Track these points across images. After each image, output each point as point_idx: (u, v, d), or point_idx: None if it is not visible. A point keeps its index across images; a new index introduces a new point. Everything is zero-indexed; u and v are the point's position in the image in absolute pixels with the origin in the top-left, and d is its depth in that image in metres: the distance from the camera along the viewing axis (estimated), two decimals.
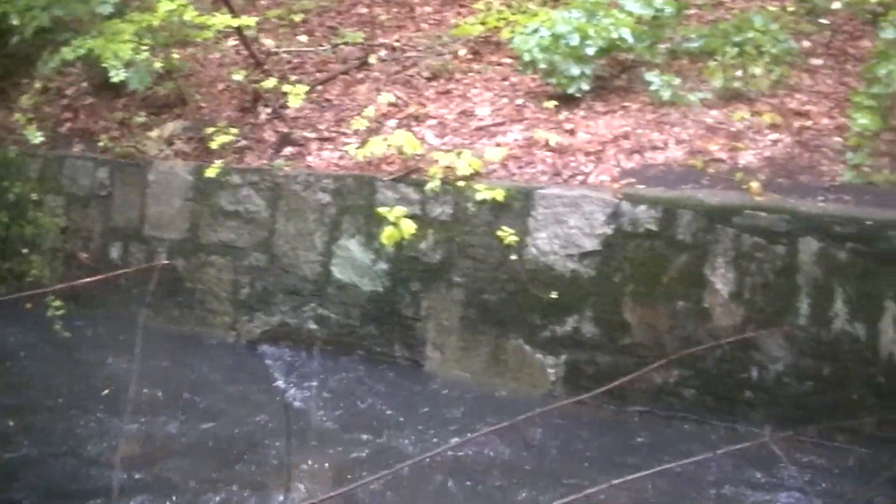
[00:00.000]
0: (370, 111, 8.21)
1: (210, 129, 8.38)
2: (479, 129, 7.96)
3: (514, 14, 9.28)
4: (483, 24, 9.33)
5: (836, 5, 7.24)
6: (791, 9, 8.56)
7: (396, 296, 7.64)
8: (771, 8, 8.73)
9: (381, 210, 7.37)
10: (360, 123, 8.11)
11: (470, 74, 8.81)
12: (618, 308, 6.96)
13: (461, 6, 10.07)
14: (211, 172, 8.14)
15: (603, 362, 7.00)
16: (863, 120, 6.17)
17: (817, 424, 6.40)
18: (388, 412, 7.12)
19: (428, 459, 6.23)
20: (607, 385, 5.76)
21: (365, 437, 6.83)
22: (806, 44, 8.39)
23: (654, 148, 7.34)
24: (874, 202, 6.55)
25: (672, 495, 6.02)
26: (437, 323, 7.53)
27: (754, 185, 6.75)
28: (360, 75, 9.13)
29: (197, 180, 8.31)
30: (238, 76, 8.89)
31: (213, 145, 8.25)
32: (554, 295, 7.09)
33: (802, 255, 6.51)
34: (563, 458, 6.52)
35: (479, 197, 7.24)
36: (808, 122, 7.35)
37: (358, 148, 7.83)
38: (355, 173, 7.81)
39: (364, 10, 10.19)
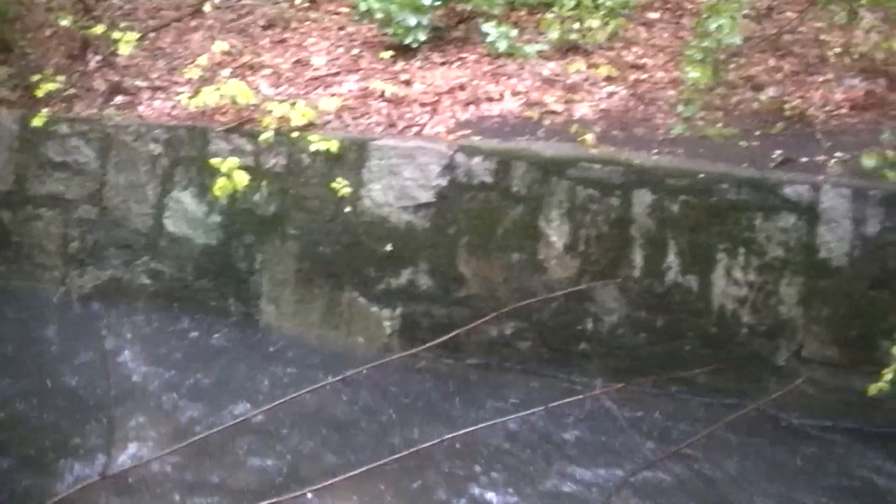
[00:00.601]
0: (203, 60, 7.99)
1: (36, 77, 8.06)
2: (315, 79, 7.83)
3: None
4: None
5: None
6: None
7: (231, 249, 7.48)
8: None
9: (214, 161, 7.19)
10: (193, 73, 7.88)
11: (306, 23, 8.66)
12: (453, 260, 6.92)
13: None
14: (37, 122, 7.81)
15: (439, 315, 6.96)
16: (693, 73, 6.23)
17: (651, 375, 6.46)
18: (220, 367, 6.98)
19: (260, 416, 6.13)
20: (442, 337, 5.73)
21: (196, 393, 6.68)
22: None
23: (491, 99, 7.31)
24: (707, 155, 6.62)
25: (502, 449, 6.02)
26: (272, 276, 7.40)
27: (589, 137, 6.76)
28: (193, 23, 8.90)
29: (23, 130, 7.97)
30: (65, 21, 8.56)
31: (40, 93, 7.90)
32: (389, 247, 7.01)
33: (636, 207, 6.55)
34: (397, 412, 6.47)
35: (313, 148, 7.10)
36: (644, 76, 7.41)
37: (191, 98, 7.61)
38: (188, 124, 7.59)
39: None
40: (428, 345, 6.38)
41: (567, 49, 7.69)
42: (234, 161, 7.17)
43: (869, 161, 6.34)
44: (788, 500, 5.75)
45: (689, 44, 6.46)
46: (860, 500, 5.76)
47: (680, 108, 6.48)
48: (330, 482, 5.52)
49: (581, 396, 4.96)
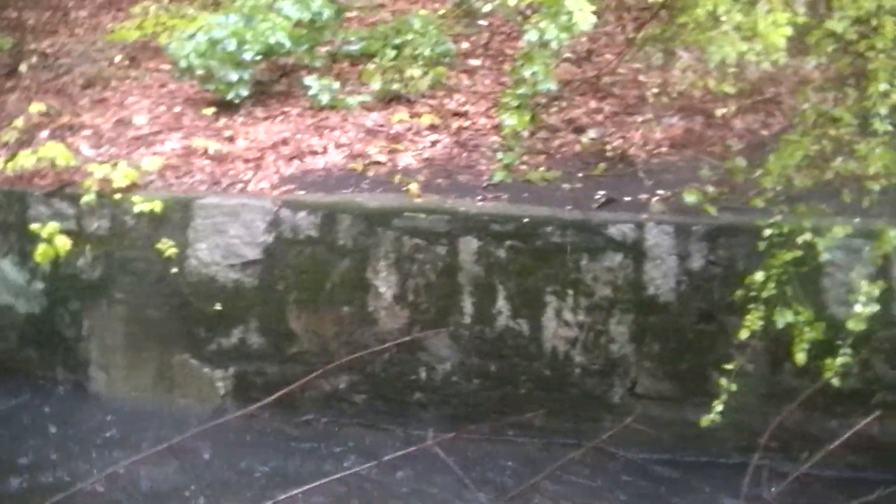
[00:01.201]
0: (20, 122, 7.80)
1: None
2: (137, 138, 7.69)
3: (172, 19, 8.99)
4: (140, 29, 9.00)
5: (487, 8, 7.34)
6: (445, 11, 8.65)
7: (56, 316, 7.29)
8: (428, 11, 8.78)
9: (34, 227, 7.03)
10: (9, 135, 7.70)
11: (127, 81, 8.52)
12: (283, 317, 6.85)
13: (118, 10, 9.72)
14: None
15: (272, 373, 6.88)
16: (510, 121, 6.28)
17: (486, 422, 6.46)
18: (46, 437, 6.80)
19: (88, 486, 5.95)
20: (271, 396, 5.65)
21: (19, 464, 6.51)
22: (465, 45, 8.50)
23: (314, 153, 7.27)
24: (531, 199, 6.67)
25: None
26: (101, 342, 7.23)
27: (413, 186, 6.76)
28: (9, 84, 8.68)
29: None
30: None
31: None
32: (218, 307, 6.91)
33: (463, 254, 6.56)
34: (230, 474, 6.37)
35: (136, 209, 6.97)
36: (467, 123, 7.45)
37: (7, 161, 7.42)
38: (5, 188, 7.39)
39: (13, 15, 9.68)
40: (258, 405, 6.27)
41: (390, 99, 7.69)
42: (54, 226, 7.02)
43: (690, 197, 6.46)
44: None
45: (505, 91, 6.51)
46: None
47: (500, 154, 6.53)
48: None
49: (413, 448, 4.91)
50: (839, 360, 5.71)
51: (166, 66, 8.54)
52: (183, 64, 7.77)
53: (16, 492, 6.27)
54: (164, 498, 6.17)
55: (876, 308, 5.66)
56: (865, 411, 6.05)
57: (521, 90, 6.22)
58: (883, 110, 5.65)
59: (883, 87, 5.63)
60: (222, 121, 7.71)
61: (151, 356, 7.13)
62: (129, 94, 8.33)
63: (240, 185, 7.11)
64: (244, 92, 7.76)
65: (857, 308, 5.66)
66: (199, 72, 7.75)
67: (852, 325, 5.66)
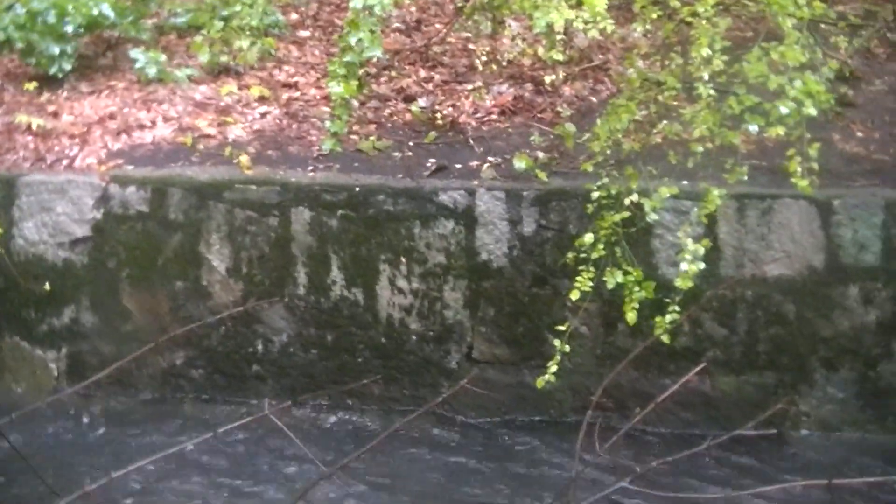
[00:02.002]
0: None
1: None
2: None
3: None
4: None
5: None
6: None
7: None
8: None
9: None
10: None
11: None
12: (116, 294, 6.73)
13: None
14: None
15: (107, 351, 6.74)
16: (337, 88, 6.26)
17: (323, 391, 6.47)
18: None
19: None
20: (100, 374, 5.55)
21: None
22: (294, 16, 8.44)
23: (142, 127, 7.14)
24: (362, 169, 6.68)
25: (175, 477, 5.92)
26: None
27: (244, 158, 6.71)
28: None
29: None
30: None
31: None
32: (47, 286, 6.75)
33: (295, 225, 6.54)
34: (68, 454, 6.24)
35: None
36: (297, 94, 7.42)
37: None
38: None
39: None
40: (90, 380, 6.16)
41: (218, 72, 7.60)
42: None
43: (520, 163, 6.53)
44: (455, 492, 5.88)
45: (332, 60, 6.49)
46: (526, 486, 5.92)
47: (328, 123, 6.52)
48: None
49: (249, 418, 4.88)
50: (668, 318, 5.82)
51: None
52: (1, 36, 7.53)
53: None
54: None
55: (702, 266, 5.79)
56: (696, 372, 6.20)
57: (348, 58, 6.21)
58: (706, 75, 5.76)
59: (705, 52, 5.74)
60: (45, 96, 7.51)
61: None
62: None
63: (66, 162, 6.95)
64: (67, 66, 7.57)
65: (684, 266, 5.79)
66: (19, 45, 7.54)
67: (680, 284, 5.79)
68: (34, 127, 7.16)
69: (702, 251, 5.80)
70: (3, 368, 6.91)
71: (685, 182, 6.22)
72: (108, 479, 4.91)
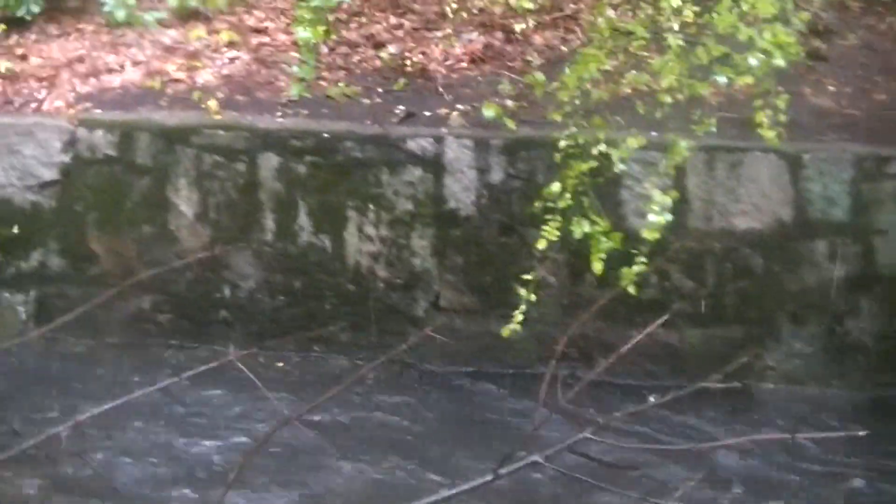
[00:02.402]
0: None
1: None
2: None
3: None
4: None
5: None
6: None
7: None
8: None
9: None
10: None
11: None
12: (83, 238, 6.74)
13: None
14: None
15: (74, 295, 6.74)
16: (304, 33, 6.23)
17: (292, 337, 6.49)
18: None
19: None
20: (66, 317, 5.54)
21: None
22: None
23: (111, 71, 7.12)
24: (330, 115, 6.68)
25: (138, 424, 5.94)
26: None
27: (212, 103, 6.69)
28: None
29: None
30: None
31: None
32: (15, 230, 6.75)
33: (263, 171, 6.55)
34: (33, 394, 6.25)
35: None
36: (266, 39, 7.37)
37: None
38: None
39: None
40: (56, 322, 6.16)
41: (188, 16, 7.53)
42: None
43: (489, 112, 6.52)
44: (416, 441, 5.93)
45: (299, 4, 6.46)
46: (489, 436, 5.93)
47: (296, 68, 6.50)
48: None
49: (214, 364, 4.88)
50: (635, 269, 5.85)
51: None
52: None
53: None
54: None
55: (670, 218, 5.81)
56: (665, 322, 6.22)
57: (316, 2, 6.18)
58: (675, 25, 5.76)
59: (675, 2, 5.73)
60: (13, 38, 7.45)
61: None
62: None
63: (34, 105, 6.94)
64: (35, 8, 7.51)
65: (651, 217, 5.80)
66: None
67: (647, 235, 5.80)
68: (2, 70, 7.12)
69: (669, 202, 5.81)
70: None
71: (653, 133, 6.20)
72: (73, 422, 4.94)
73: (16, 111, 6.90)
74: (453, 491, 4.51)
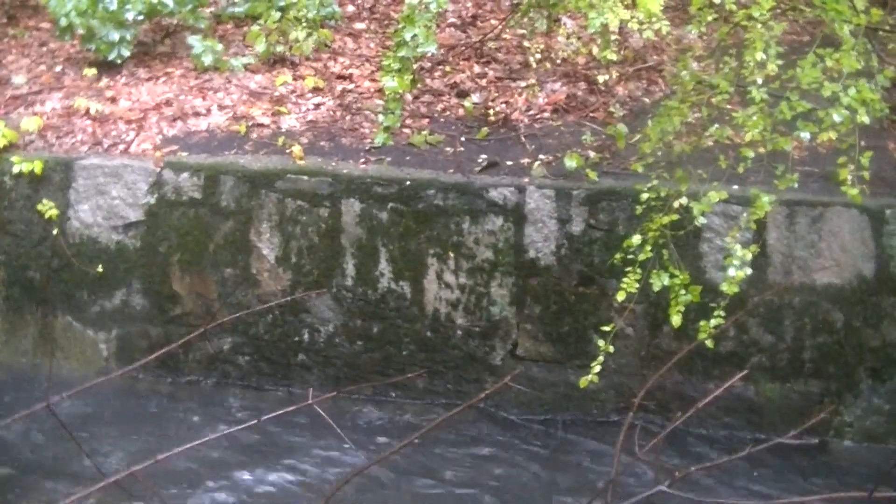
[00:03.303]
0: None
1: None
2: (16, 97, 7.56)
3: None
4: None
5: None
6: None
7: None
8: None
9: None
10: None
11: (5, 40, 8.36)
12: (166, 278, 6.82)
13: None
14: None
15: (155, 334, 6.85)
16: (391, 83, 6.29)
17: (369, 382, 6.52)
18: None
19: None
20: (149, 357, 5.62)
21: None
22: (350, 8, 8.48)
23: (197, 114, 7.23)
24: (413, 163, 6.73)
25: (219, 464, 5.96)
26: None
27: (297, 148, 6.78)
28: None
29: None
30: None
31: None
32: (100, 268, 6.85)
33: (346, 216, 6.60)
34: (111, 431, 6.32)
35: (15, 170, 6.88)
36: (351, 86, 7.45)
37: None
38: None
39: None
40: (138, 363, 6.22)
41: (274, 61, 7.66)
42: None
43: (571, 162, 6.54)
44: (493, 488, 5.92)
45: (387, 54, 6.53)
46: (566, 484, 5.93)
47: (381, 117, 6.56)
48: None
49: (293, 407, 4.92)
50: (713, 323, 5.82)
51: (46, 25, 8.39)
52: (63, 22, 7.64)
53: None
54: (41, 459, 6.09)
55: (749, 272, 5.78)
56: (743, 376, 6.19)
57: (403, 52, 6.23)
58: (759, 79, 5.74)
59: (759, 56, 5.72)
60: (104, 81, 7.61)
61: (33, 319, 7.05)
62: (8, 53, 8.18)
63: (122, 146, 7.05)
64: (126, 52, 7.66)
65: (731, 272, 5.78)
66: (80, 31, 7.64)
67: (726, 289, 5.78)
68: (92, 111, 7.25)
69: (749, 257, 5.78)
70: (56, 347, 7.00)
71: (735, 187, 6.22)
72: (154, 461, 5.00)
73: (104, 152, 7.01)
74: None
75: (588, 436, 6.44)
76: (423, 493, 5.82)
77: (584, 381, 6.02)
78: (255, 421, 5.38)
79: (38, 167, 6.88)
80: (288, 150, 6.78)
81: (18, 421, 6.01)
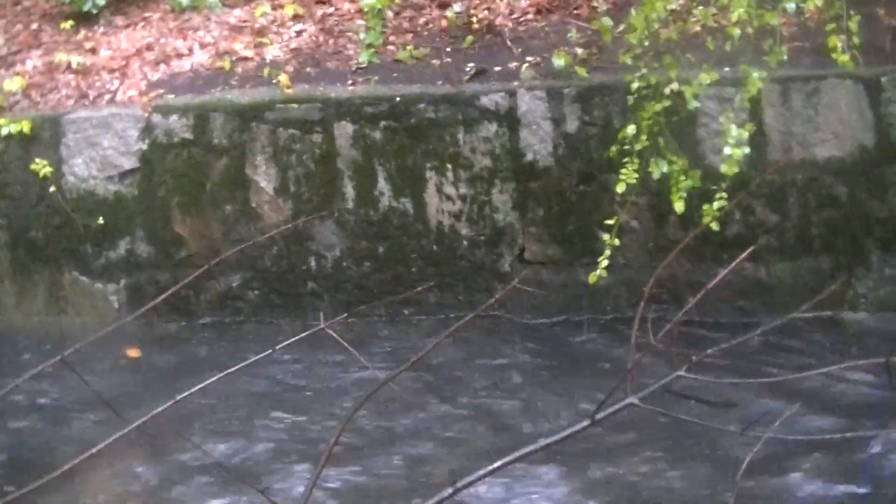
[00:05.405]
0: None
1: None
2: None
3: None
4: None
5: None
6: None
7: None
8: None
9: None
10: None
11: None
12: (168, 222, 6.82)
13: None
14: None
15: (164, 280, 6.83)
16: (369, 0, 6.25)
17: (378, 302, 6.52)
18: None
19: None
20: (157, 300, 5.61)
21: None
22: None
23: (180, 55, 7.16)
24: (401, 79, 6.68)
25: (238, 396, 5.97)
26: None
27: (283, 78, 6.74)
28: None
29: None
30: None
31: None
32: (101, 220, 6.85)
33: (339, 140, 6.57)
34: (130, 377, 6.35)
35: (3, 132, 6.84)
36: (331, 9, 7.35)
37: None
38: None
39: None
40: (148, 305, 6.23)
41: None
42: None
43: (559, 61, 6.50)
44: (514, 388, 5.96)
45: None
46: (585, 380, 5.92)
47: (363, 35, 6.51)
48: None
49: (306, 333, 4.93)
50: (716, 206, 5.82)
51: None
52: None
53: None
54: (59, 409, 6.11)
55: (747, 151, 5.76)
56: (752, 257, 6.17)
57: None
58: None
59: None
60: (82, 33, 7.52)
61: (41, 278, 7.05)
62: None
63: (108, 96, 7.02)
64: (101, 1, 7.57)
65: (727, 151, 5.76)
66: None
67: (725, 169, 5.77)
68: (74, 65, 7.19)
69: (745, 135, 5.77)
70: (66, 303, 7.02)
71: (727, 69, 6.14)
72: (173, 401, 5.02)
73: (91, 104, 6.98)
74: (551, 439, 4.54)
75: (604, 334, 6.44)
76: (441, 405, 5.82)
77: (592, 277, 6.04)
78: (269, 351, 5.43)
79: (26, 127, 6.84)
80: (275, 81, 6.74)
81: (36, 377, 6.02)
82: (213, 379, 5.22)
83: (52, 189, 6.86)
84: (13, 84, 7.10)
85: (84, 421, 5.90)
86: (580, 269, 6.47)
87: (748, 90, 5.80)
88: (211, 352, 6.61)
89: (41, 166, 6.82)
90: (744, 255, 5.19)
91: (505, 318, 6.46)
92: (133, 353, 6.38)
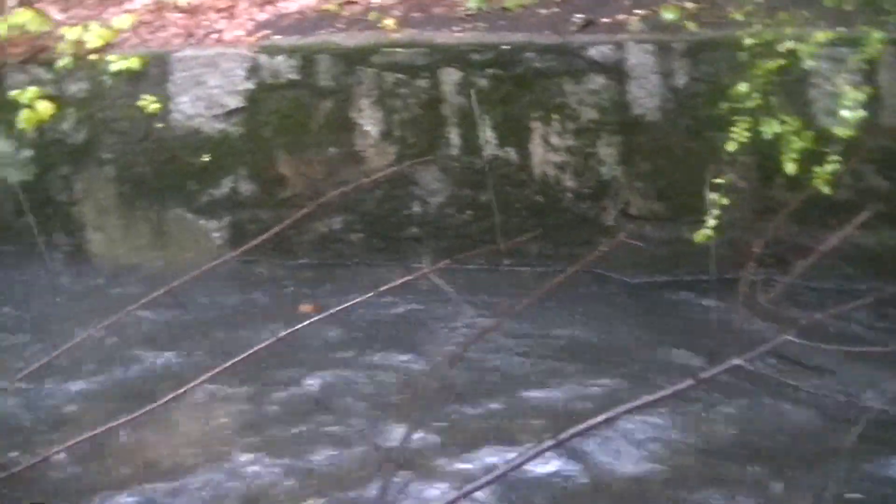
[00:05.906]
0: None
1: None
2: None
3: None
4: None
5: None
6: None
7: (48, 182, 7.28)
8: None
9: (13, 93, 7.01)
10: None
11: None
12: (272, 162, 6.86)
13: None
14: None
15: (266, 218, 6.88)
16: None
17: (480, 250, 6.51)
18: (50, 296, 6.91)
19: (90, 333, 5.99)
20: (259, 238, 5.67)
21: (37, 325, 6.56)
22: None
23: None
24: (508, 27, 6.60)
25: (334, 339, 6.05)
26: (94, 204, 7.25)
27: (389, 22, 6.71)
28: None
29: None
30: None
31: None
32: (206, 158, 6.91)
33: (445, 86, 6.53)
34: (230, 314, 6.46)
35: (114, 69, 6.93)
36: None
37: None
38: None
39: None
40: (250, 244, 6.32)
41: None
42: (34, 90, 7.00)
43: (668, 14, 6.38)
44: (612, 346, 5.90)
45: None
46: (687, 341, 5.86)
47: None
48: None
49: (410, 277, 4.96)
50: (828, 168, 5.70)
51: None
52: None
53: (25, 344, 6.33)
54: (161, 338, 6.22)
55: (863, 114, 5.63)
56: (860, 223, 6.03)
57: None
58: None
59: None
60: None
61: (145, 214, 7.16)
62: None
63: (214, 36, 7.06)
64: None
65: (844, 113, 5.63)
66: None
67: (839, 132, 5.64)
68: (182, 3, 7.28)
69: (863, 97, 5.63)
70: (169, 239, 7.12)
71: (842, 28, 6.00)
72: (275, 339, 5.10)
73: (197, 43, 7.01)
74: (655, 396, 4.52)
75: (706, 294, 6.36)
76: (536, 356, 5.79)
77: (699, 236, 5.96)
78: (371, 293, 5.49)
79: (135, 64, 6.91)
80: (381, 25, 6.71)
81: (148, 305, 6.12)
82: (313, 319, 5.31)
83: (159, 126, 6.93)
84: (123, 22, 7.17)
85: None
86: (683, 226, 6.37)
87: (866, 51, 5.66)
88: (313, 293, 6.65)
89: (149, 103, 6.89)
90: (858, 219, 5.13)
91: (606, 275, 6.42)
92: (307, 308, 6.40)
